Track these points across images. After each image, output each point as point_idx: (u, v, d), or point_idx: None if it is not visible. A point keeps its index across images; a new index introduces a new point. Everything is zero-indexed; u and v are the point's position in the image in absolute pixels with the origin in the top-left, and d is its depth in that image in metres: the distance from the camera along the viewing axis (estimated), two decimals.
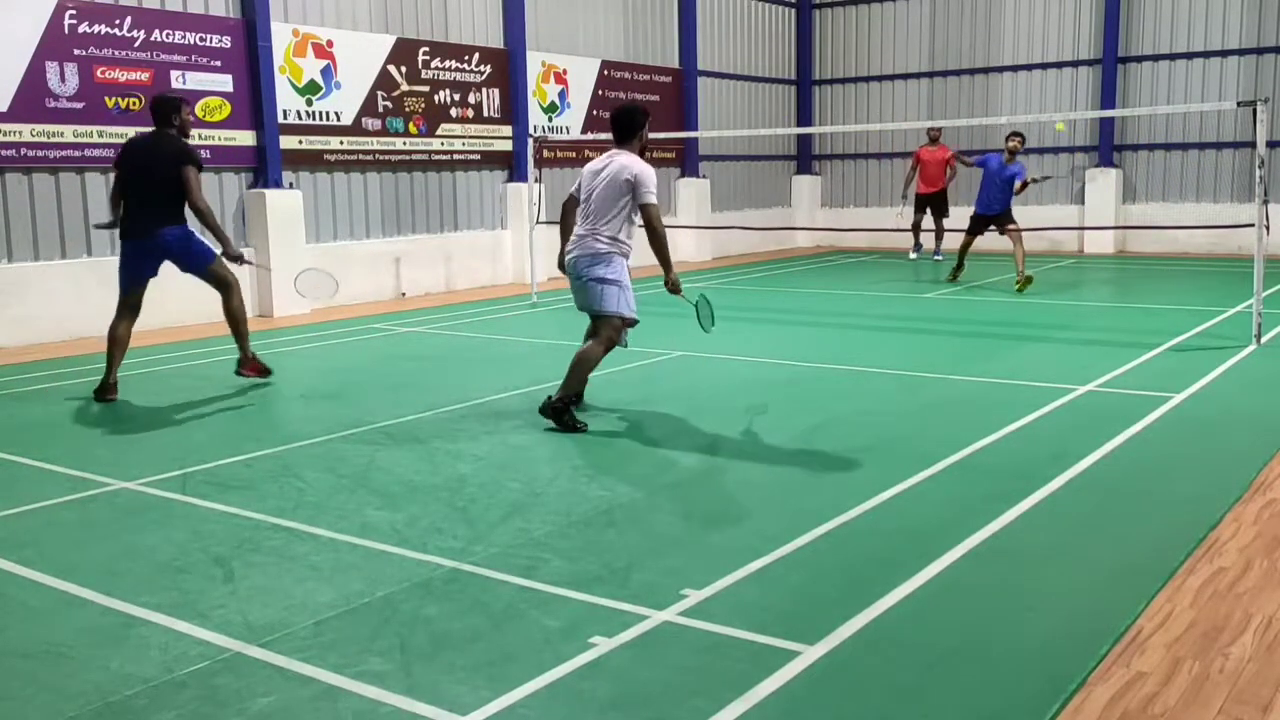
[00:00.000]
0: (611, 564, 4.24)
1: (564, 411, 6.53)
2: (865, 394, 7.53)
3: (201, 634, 3.66)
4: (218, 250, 7.96)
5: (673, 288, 6.75)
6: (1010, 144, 13.22)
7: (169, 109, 7.82)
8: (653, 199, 6.56)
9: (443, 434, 6.46)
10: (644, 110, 6.90)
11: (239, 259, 7.97)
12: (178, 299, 11.61)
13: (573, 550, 4.41)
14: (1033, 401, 6.91)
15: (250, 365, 8.28)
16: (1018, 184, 13.05)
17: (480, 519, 4.83)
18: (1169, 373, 7.83)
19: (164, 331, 11.12)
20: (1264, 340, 8.93)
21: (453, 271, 14.69)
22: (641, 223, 6.63)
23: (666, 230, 6.69)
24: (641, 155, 6.78)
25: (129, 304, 7.95)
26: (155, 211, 7.71)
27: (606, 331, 6.66)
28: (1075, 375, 7.74)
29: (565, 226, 6.91)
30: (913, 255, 17.34)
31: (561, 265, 6.85)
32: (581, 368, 6.68)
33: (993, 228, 13.22)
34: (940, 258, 16.66)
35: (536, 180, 13.64)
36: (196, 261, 7.93)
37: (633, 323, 6.78)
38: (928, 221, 16.81)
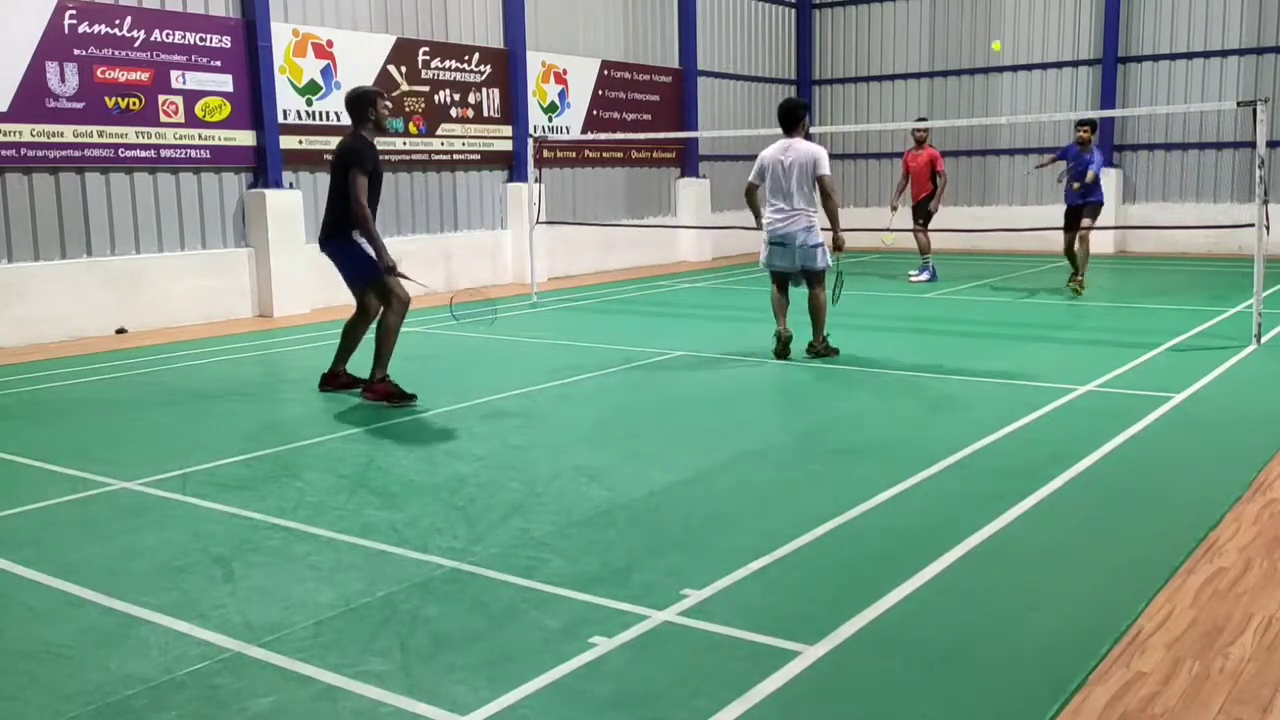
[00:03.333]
0: (611, 564, 4.24)
1: (826, 344, 8.67)
2: (865, 394, 7.53)
3: (201, 634, 3.66)
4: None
5: (839, 244, 8.58)
6: (1079, 134, 12.82)
7: (354, 109, 7.27)
8: (828, 172, 8.41)
9: (443, 434, 6.46)
10: (805, 103, 8.73)
11: (392, 270, 7.28)
12: (177, 299, 11.66)
13: (573, 550, 4.41)
14: (1033, 401, 6.91)
15: (375, 388, 7.30)
16: (1089, 174, 12.56)
17: (480, 519, 4.82)
18: (1169, 373, 7.83)
19: (164, 332, 11.13)
20: (1264, 340, 8.93)
21: (453, 271, 14.68)
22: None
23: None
24: (806, 138, 8.57)
25: (359, 304, 7.74)
26: (326, 218, 7.43)
27: (820, 281, 8.61)
28: (1075, 375, 7.74)
29: (753, 204, 8.89)
30: (917, 277, 14.81)
31: (759, 227, 8.79)
32: (822, 311, 8.62)
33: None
34: (919, 276, 14.71)
35: (536, 180, 13.64)
36: (349, 275, 7.45)
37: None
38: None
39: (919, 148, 14.75)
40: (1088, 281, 12.73)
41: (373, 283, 7.39)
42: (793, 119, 8.47)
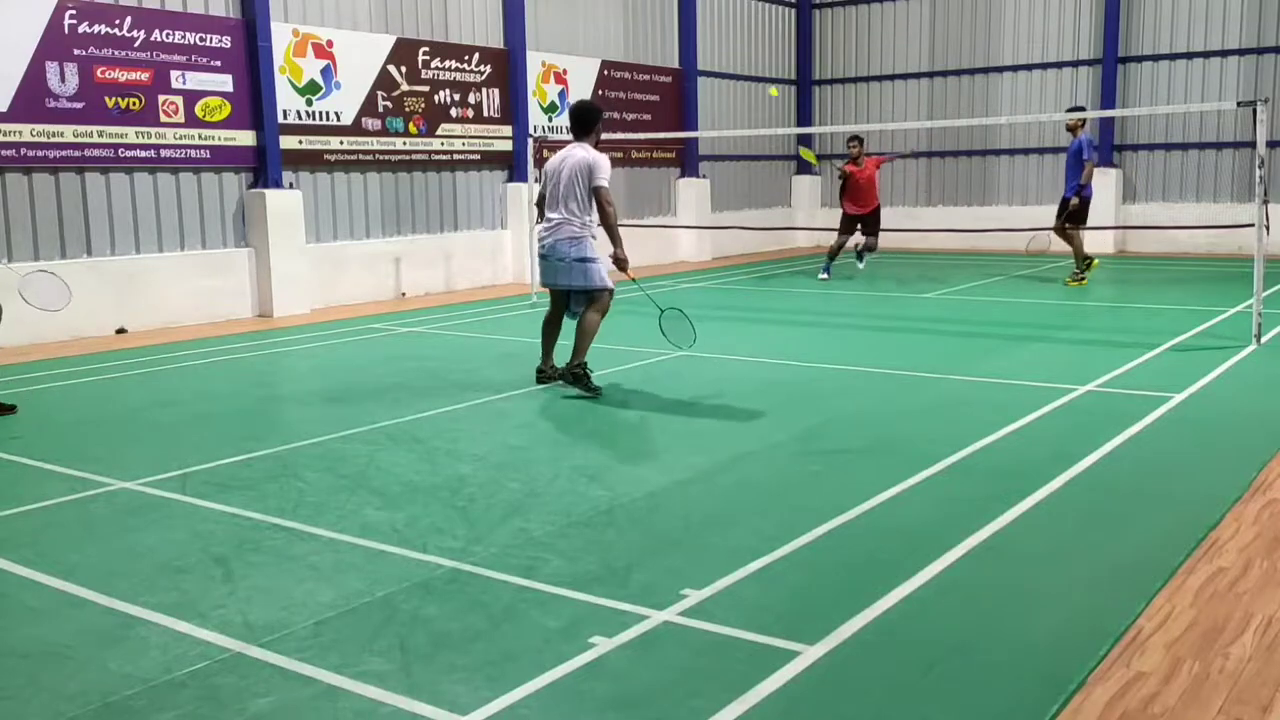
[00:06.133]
0: (611, 564, 4.24)
1: (584, 376, 7.43)
2: (865, 394, 7.53)
3: (201, 634, 3.66)
4: None
5: (620, 262, 7.50)
6: (1070, 119, 12.94)
7: None
8: (603, 182, 7.36)
9: (443, 434, 6.46)
10: (598, 107, 7.90)
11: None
12: (177, 299, 11.66)
13: (573, 550, 4.41)
14: (1033, 401, 6.91)
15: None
16: (1086, 162, 12.82)
17: (480, 519, 4.83)
18: (1169, 373, 7.83)
19: (164, 332, 11.13)
20: (1264, 340, 8.93)
21: (453, 271, 14.69)
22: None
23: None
24: (595, 147, 7.62)
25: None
26: None
27: (602, 302, 7.60)
28: (1075, 375, 7.74)
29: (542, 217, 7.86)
30: (822, 276, 14.91)
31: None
32: (588, 336, 7.52)
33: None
34: (863, 266, 15.59)
35: (536, 180, 13.61)
36: None
37: (611, 291, 7.65)
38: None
39: (855, 162, 14.79)
40: (1088, 275, 13.41)
41: None
42: (586, 121, 7.65)
